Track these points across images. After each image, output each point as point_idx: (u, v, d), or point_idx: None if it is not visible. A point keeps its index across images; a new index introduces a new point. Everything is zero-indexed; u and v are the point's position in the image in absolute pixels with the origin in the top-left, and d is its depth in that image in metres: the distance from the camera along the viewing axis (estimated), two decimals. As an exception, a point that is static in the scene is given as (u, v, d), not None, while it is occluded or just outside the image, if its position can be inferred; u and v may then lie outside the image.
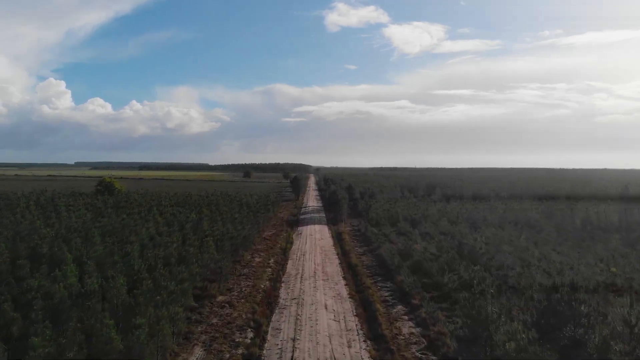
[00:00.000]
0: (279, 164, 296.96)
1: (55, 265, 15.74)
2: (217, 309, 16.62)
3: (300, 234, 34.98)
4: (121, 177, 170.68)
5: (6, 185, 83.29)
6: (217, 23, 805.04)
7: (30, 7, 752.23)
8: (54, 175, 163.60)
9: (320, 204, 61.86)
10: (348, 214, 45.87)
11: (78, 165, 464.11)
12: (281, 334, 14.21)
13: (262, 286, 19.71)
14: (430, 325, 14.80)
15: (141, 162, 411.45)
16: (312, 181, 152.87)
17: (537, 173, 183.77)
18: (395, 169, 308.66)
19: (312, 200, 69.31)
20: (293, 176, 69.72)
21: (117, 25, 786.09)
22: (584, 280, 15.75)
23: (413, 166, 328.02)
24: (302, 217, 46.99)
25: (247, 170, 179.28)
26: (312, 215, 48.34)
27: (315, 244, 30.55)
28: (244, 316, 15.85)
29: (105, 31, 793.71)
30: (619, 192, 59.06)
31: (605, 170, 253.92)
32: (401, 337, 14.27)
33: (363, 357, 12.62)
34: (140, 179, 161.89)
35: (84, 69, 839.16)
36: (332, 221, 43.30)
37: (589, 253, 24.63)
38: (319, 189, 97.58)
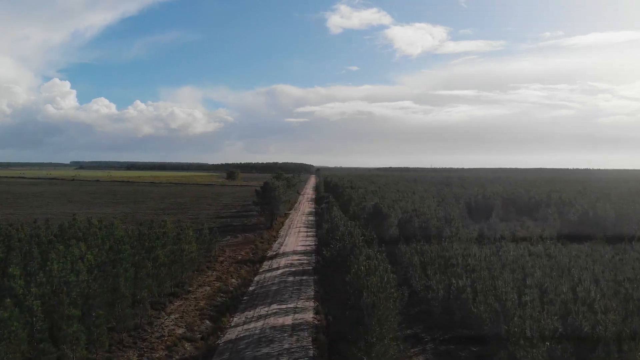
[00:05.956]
0: (277, 163, 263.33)
1: None
2: None
3: None
4: (73, 179, 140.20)
5: None
6: (221, 24, 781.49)
7: (36, 8, 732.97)
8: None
9: (312, 246, 28.51)
10: (399, 324, 12.35)
11: (73, 164, 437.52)
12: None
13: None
14: None
15: (135, 162, 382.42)
16: (310, 185, 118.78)
17: (566, 174, 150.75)
18: (407, 169, 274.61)
19: (297, 234, 34.98)
20: (263, 183, 36.61)
21: (122, 26, 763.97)
22: None
23: (429, 166, 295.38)
24: (232, 345, 13.40)
25: (231, 170, 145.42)
26: (270, 338, 14.36)
27: None
28: None
29: (111, 32, 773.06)
30: None
31: (608, 170, 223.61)
32: None
33: None
34: (97, 180, 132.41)
35: (89, 69, 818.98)
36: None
37: None
38: (318, 198, 63.81)
